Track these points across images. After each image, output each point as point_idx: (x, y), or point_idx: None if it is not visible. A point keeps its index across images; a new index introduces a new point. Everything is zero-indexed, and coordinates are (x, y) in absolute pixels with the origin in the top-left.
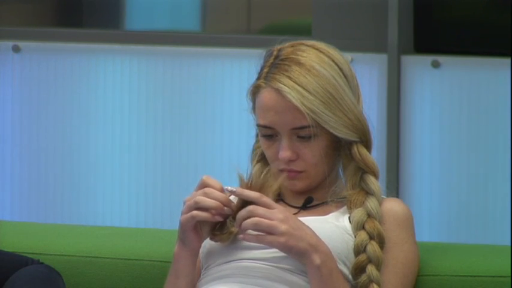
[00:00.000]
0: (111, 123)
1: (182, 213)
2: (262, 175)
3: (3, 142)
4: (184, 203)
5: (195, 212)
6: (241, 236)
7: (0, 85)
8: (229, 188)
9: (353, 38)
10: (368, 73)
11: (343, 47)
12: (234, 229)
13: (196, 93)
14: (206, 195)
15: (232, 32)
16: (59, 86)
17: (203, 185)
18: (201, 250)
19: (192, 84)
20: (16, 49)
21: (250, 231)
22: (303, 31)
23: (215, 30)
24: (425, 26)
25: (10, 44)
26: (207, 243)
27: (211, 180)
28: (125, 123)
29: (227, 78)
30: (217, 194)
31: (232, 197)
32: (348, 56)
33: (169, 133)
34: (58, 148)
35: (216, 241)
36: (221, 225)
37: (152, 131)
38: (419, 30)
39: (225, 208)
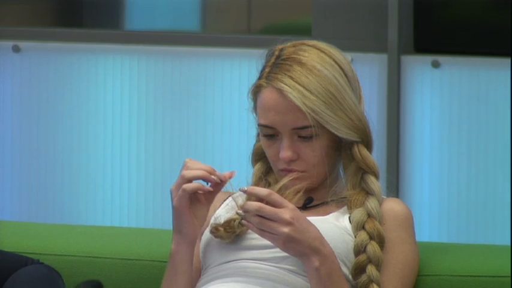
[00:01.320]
0: (111, 123)
1: (173, 199)
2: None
3: (3, 142)
4: (171, 192)
5: (185, 185)
6: (245, 221)
7: (0, 85)
8: (242, 188)
9: (353, 38)
10: (368, 73)
11: (343, 47)
12: (238, 230)
13: (196, 93)
14: (189, 167)
15: (232, 32)
16: (59, 86)
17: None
18: (201, 250)
19: (192, 84)
20: (16, 49)
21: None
22: (303, 31)
23: (215, 30)
24: (425, 26)
25: (10, 44)
26: (208, 244)
27: (194, 161)
28: (125, 123)
29: (227, 78)
30: (200, 164)
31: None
32: (348, 56)
33: (169, 133)
34: (58, 148)
35: (216, 236)
36: (228, 224)
37: (152, 131)
38: (419, 30)
39: (212, 176)
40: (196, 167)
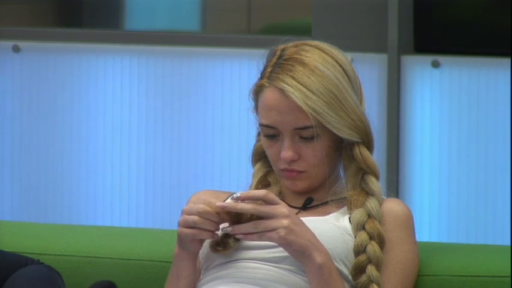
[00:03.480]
0: (111, 123)
1: (179, 225)
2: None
3: (3, 142)
4: (182, 213)
5: (197, 232)
6: (241, 236)
7: (0, 85)
8: (235, 195)
9: (353, 38)
10: (368, 73)
11: (343, 47)
12: (235, 246)
13: (196, 93)
14: (200, 214)
15: (232, 32)
16: (59, 86)
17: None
18: (201, 250)
19: (192, 84)
20: (16, 49)
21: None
22: (303, 31)
23: (215, 30)
24: (425, 26)
25: (10, 44)
26: (207, 244)
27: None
28: (124, 123)
29: (227, 78)
30: (209, 212)
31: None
32: (348, 56)
33: (169, 133)
34: (58, 148)
35: (217, 254)
36: (224, 243)
37: (152, 131)
38: (419, 30)
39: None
40: (206, 215)
